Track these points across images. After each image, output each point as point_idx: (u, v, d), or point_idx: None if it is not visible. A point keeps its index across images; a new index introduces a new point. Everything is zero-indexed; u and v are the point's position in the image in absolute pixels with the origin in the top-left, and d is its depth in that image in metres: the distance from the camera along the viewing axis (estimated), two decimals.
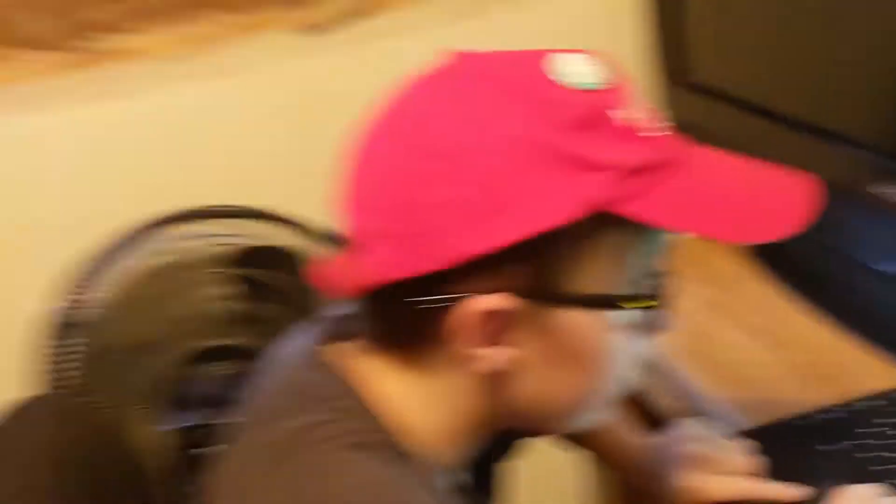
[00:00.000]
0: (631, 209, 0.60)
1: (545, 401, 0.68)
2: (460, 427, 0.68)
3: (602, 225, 0.60)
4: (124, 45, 1.35)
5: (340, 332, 0.70)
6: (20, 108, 1.30)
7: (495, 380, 0.65)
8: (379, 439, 0.64)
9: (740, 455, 0.88)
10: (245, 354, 1.28)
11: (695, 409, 1.09)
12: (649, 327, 0.67)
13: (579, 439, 0.95)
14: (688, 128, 0.75)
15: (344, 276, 0.65)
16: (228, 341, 1.29)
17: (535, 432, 0.80)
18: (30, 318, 1.27)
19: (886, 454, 0.90)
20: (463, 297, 0.60)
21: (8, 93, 1.30)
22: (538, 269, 0.61)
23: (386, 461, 0.63)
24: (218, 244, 1.31)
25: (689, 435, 0.89)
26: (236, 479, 0.65)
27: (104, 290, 1.30)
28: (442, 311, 0.61)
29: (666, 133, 0.65)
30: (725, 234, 0.68)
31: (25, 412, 0.82)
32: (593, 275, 0.62)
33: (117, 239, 1.29)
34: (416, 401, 0.66)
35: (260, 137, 1.42)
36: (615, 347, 0.66)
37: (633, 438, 0.94)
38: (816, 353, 1.13)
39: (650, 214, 0.60)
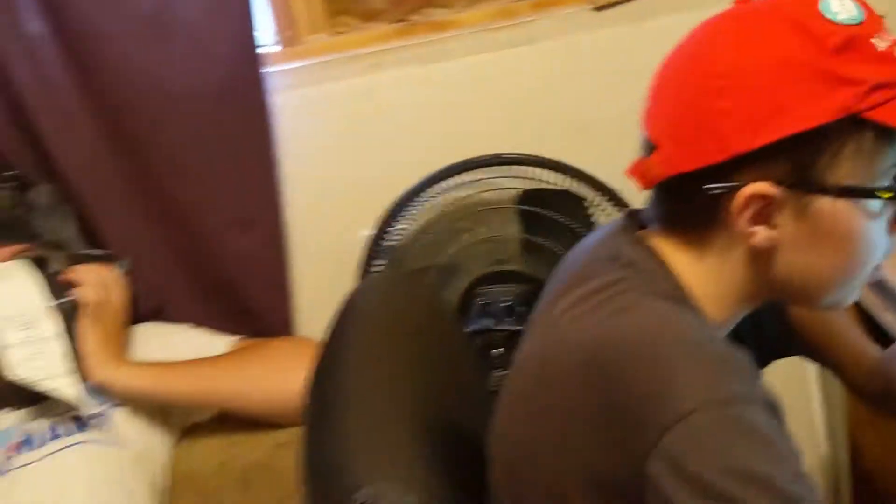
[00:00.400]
0: (877, 115, 0.73)
1: (803, 277, 0.81)
2: (732, 295, 0.83)
3: (855, 129, 0.74)
4: (445, 18, 1.60)
5: (634, 222, 0.87)
6: (362, 68, 1.58)
7: (762, 256, 0.80)
8: (673, 294, 0.80)
9: None
10: (524, 277, 1.54)
11: None
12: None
13: (820, 354, 1.08)
14: None
15: (644, 171, 0.82)
16: (513, 267, 1.53)
17: (794, 303, 0.94)
18: (357, 241, 1.58)
19: None
20: (737, 185, 0.75)
21: (353, 55, 1.58)
22: (800, 163, 0.75)
23: (679, 308, 0.79)
24: (505, 187, 1.54)
25: None
26: (554, 321, 0.84)
27: (413, 222, 1.58)
28: (718, 197, 0.77)
29: None
30: None
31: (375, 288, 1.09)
32: (848, 170, 0.75)
33: (426, 179, 1.56)
34: (698, 273, 0.82)
35: (550, 98, 1.59)
36: (866, 233, 0.78)
37: (869, 349, 1.06)
38: None
39: (893, 119, 0.74)
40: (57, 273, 1.38)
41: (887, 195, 0.76)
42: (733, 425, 0.70)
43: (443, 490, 0.78)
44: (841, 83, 0.73)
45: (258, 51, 1.47)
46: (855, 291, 0.85)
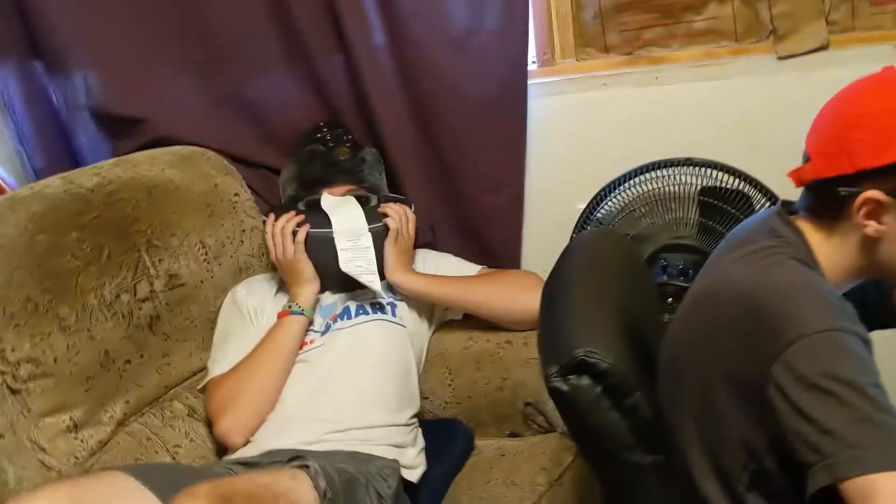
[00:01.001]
0: None
1: (894, 261, 0.98)
2: (847, 267, 1.00)
3: None
4: (663, 54, 1.83)
5: (786, 209, 1.04)
6: (597, 86, 1.85)
7: (871, 243, 0.97)
8: (807, 259, 0.97)
9: None
10: (696, 250, 1.76)
11: None
12: None
13: None
14: None
15: (800, 175, 1.00)
16: (688, 242, 1.76)
17: (890, 279, 1.08)
18: (574, 211, 1.85)
19: None
20: (859, 190, 0.94)
21: (591, 76, 1.86)
22: None
23: (810, 270, 0.96)
24: (689, 183, 1.75)
25: None
26: (721, 268, 1.03)
27: (618, 201, 1.83)
28: (846, 197, 0.95)
29: None
30: None
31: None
32: None
33: (632, 171, 1.80)
34: (826, 248, 0.99)
35: (733, 121, 1.80)
36: None
37: None
38: None
39: None
40: (374, 207, 1.70)
41: None
42: (835, 346, 0.88)
43: (627, 361, 1.01)
44: None
45: (527, 69, 1.79)
46: None
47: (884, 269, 1.00)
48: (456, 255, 1.86)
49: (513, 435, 1.68)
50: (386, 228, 1.68)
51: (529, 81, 1.82)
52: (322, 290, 1.69)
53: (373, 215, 1.69)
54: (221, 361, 1.61)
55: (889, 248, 0.98)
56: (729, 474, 0.99)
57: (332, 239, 1.65)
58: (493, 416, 1.69)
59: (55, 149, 1.85)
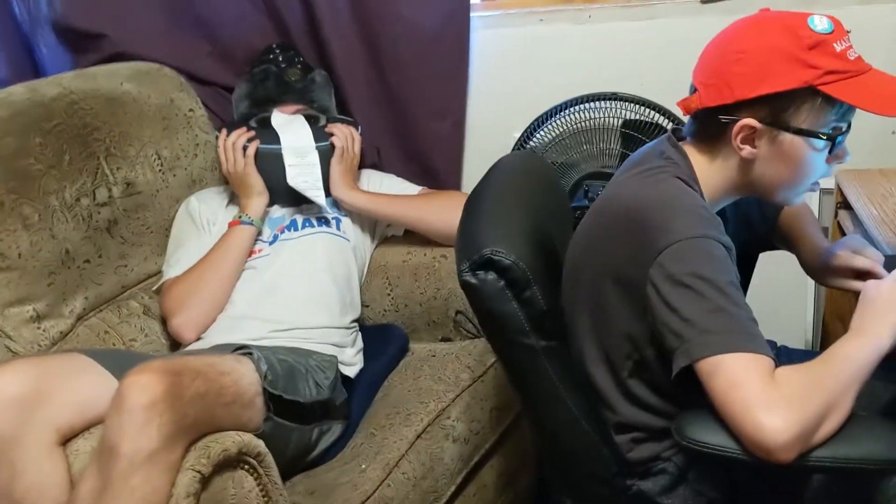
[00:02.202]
0: (827, 89, 1.01)
1: (768, 181, 1.09)
2: (723, 186, 1.11)
3: (812, 95, 1.02)
4: None
5: (676, 136, 1.14)
6: (533, 21, 1.95)
7: (746, 165, 1.07)
8: (689, 179, 1.08)
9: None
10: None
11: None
12: (832, 156, 1.08)
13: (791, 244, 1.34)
14: None
15: (687, 104, 1.10)
16: (610, 171, 1.85)
17: (761, 197, 1.16)
18: (510, 139, 1.93)
19: None
20: (737, 118, 1.04)
21: (528, 12, 1.95)
22: (775, 110, 1.03)
23: (690, 188, 1.07)
24: (615, 115, 1.85)
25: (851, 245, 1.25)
26: (616, 185, 1.14)
27: (550, 132, 1.92)
28: (726, 125, 1.05)
29: (858, 58, 1.04)
30: (872, 109, 1.03)
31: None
32: (804, 119, 1.03)
33: (561, 104, 1.88)
34: (706, 170, 1.10)
35: (655, 60, 1.88)
36: (810, 160, 1.06)
37: (822, 243, 1.31)
38: None
39: (838, 93, 1.01)
40: (322, 127, 1.79)
41: (825, 137, 1.06)
42: (700, 250, 1.00)
43: (529, 262, 1.11)
44: (808, 66, 1.02)
45: (469, 2, 1.88)
46: (798, 196, 1.15)
47: (756, 187, 1.12)
48: (400, 176, 1.96)
49: (444, 340, 1.83)
50: (332, 147, 1.78)
51: (472, 14, 1.91)
52: (271, 204, 1.79)
53: (320, 134, 1.79)
54: (175, 266, 1.72)
55: (760, 169, 1.09)
56: (615, 362, 1.13)
57: (281, 154, 1.75)
58: (427, 323, 1.84)
59: (18, 60, 1.91)
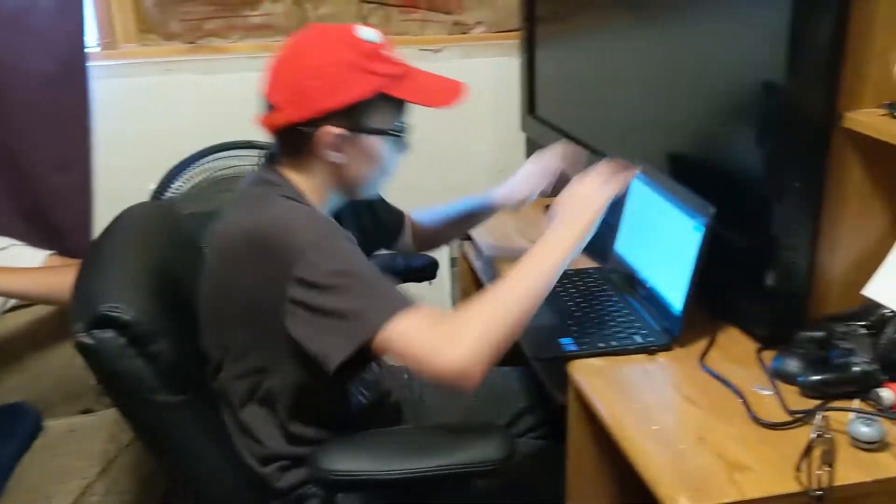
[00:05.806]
0: (392, 91, 1.09)
1: (354, 179, 1.15)
2: (324, 191, 1.14)
3: (381, 98, 1.09)
4: (223, 45, 1.94)
5: (271, 161, 1.15)
6: (159, 71, 1.90)
7: (338, 169, 1.12)
8: (293, 194, 1.10)
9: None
10: None
11: None
12: (400, 149, 1.16)
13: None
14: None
15: (270, 122, 1.10)
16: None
17: (351, 194, 1.19)
18: (145, 193, 1.90)
19: None
20: (321, 128, 1.07)
21: (153, 62, 1.89)
22: (353, 116, 1.08)
23: (297, 202, 1.09)
24: (251, 163, 1.88)
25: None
26: (226, 220, 1.11)
27: (186, 182, 1.91)
28: (311, 135, 1.08)
29: (403, 60, 1.12)
30: (430, 104, 1.12)
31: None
32: (377, 119, 1.10)
33: (195, 154, 1.89)
34: (305, 182, 1.13)
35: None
36: (385, 156, 1.14)
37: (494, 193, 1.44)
38: None
39: (401, 93, 1.10)
40: None
41: (397, 133, 1.14)
42: (325, 250, 1.02)
43: (155, 314, 1.08)
44: (373, 74, 1.09)
45: (85, 50, 1.78)
46: (375, 189, 1.22)
47: (351, 187, 1.18)
48: (21, 239, 1.76)
49: (86, 412, 1.67)
50: None
51: (92, 63, 1.82)
52: None
53: None
54: None
55: (351, 170, 1.14)
56: (249, 395, 1.13)
57: None
58: (64, 396, 1.67)
59: None
